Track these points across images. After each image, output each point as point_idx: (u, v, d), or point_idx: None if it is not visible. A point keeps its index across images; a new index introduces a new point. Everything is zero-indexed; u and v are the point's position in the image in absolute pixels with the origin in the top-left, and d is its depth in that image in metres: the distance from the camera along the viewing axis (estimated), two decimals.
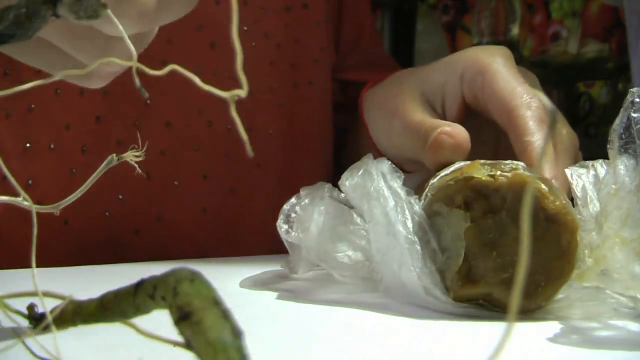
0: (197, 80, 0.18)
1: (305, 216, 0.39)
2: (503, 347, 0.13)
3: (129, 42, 0.20)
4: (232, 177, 0.59)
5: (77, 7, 0.20)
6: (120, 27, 0.20)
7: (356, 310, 0.35)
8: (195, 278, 0.18)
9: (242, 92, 0.17)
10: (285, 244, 0.40)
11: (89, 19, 0.20)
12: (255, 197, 0.60)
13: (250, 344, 0.29)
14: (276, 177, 0.60)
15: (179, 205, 0.56)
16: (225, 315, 0.17)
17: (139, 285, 0.19)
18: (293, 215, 0.40)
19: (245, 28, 0.58)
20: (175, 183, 0.56)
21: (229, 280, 0.44)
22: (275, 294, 0.39)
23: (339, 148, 0.67)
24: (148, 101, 0.55)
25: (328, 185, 0.40)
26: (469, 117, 0.47)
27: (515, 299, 0.14)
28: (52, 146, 0.54)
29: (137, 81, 0.20)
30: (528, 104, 0.43)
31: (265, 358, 0.27)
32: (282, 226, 0.40)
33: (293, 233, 0.39)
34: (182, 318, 0.17)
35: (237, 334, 0.16)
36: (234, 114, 0.18)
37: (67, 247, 0.53)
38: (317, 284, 0.40)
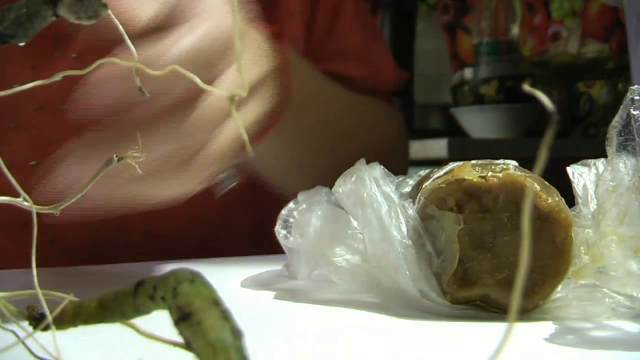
0: (197, 80, 0.18)
1: (303, 221, 0.39)
2: (504, 347, 0.14)
3: (129, 42, 0.20)
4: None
5: (77, 7, 0.20)
6: (121, 27, 0.20)
7: (356, 311, 0.35)
8: (196, 278, 0.18)
9: (242, 92, 0.17)
10: (284, 249, 0.40)
11: (89, 20, 0.20)
12: (232, 201, 0.60)
13: (251, 344, 0.29)
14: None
15: (166, 217, 0.56)
16: (225, 315, 0.17)
17: (139, 285, 0.19)
18: (291, 220, 0.40)
19: None
20: None
21: (230, 280, 0.44)
22: (275, 294, 0.39)
23: None
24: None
25: (325, 190, 0.40)
26: None
27: (516, 299, 0.14)
28: (33, 163, 0.53)
29: (137, 81, 0.20)
30: None
31: (265, 358, 0.27)
32: (280, 231, 0.40)
33: (291, 238, 0.39)
34: (182, 319, 0.17)
35: (237, 334, 0.16)
36: (234, 114, 0.18)
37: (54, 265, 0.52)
38: (317, 284, 0.40)
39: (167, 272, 0.18)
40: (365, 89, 0.67)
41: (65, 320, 0.21)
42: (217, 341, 0.16)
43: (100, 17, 0.20)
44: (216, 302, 0.17)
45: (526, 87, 0.15)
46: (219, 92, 0.18)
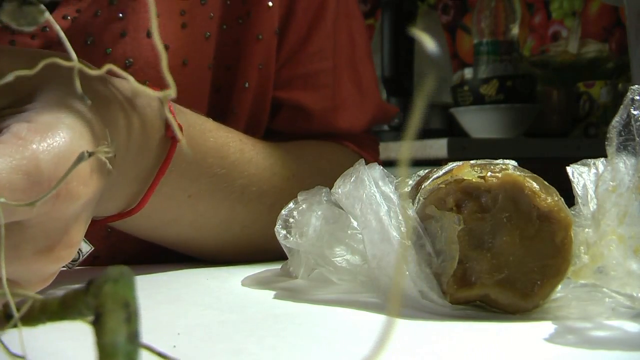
0: (131, 79, 0.18)
1: (303, 221, 0.39)
2: (384, 345, 0.13)
3: (68, 44, 0.20)
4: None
5: (18, 14, 0.20)
6: (61, 32, 0.20)
7: (355, 310, 0.35)
8: (121, 279, 0.17)
9: (172, 93, 0.17)
10: (284, 249, 0.40)
11: (29, 26, 0.20)
12: None
13: (250, 343, 0.29)
14: None
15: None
16: (129, 318, 0.16)
17: (90, 284, 0.18)
18: (291, 220, 0.40)
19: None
20: None
21: (230, 279, 0.44)
22: (275, 293, 0.39)
23: None
24: None
25: (325, 190, 0.40)
26: None
27: (396, 296, 0.14)
28: None
29: (77, 84, 0.20)
30: None
31: (264, 358, 0.27)
32: (280, 231, 0.40)
33: (291, 238, 0.39)
34: (94, 320, 0.16)
35: (133, 339, 0.15)
36: (167, 114, 0.18)
37: None
38: (317, 283, 0.40)
39: (105, 271, 0.17)
40: (324, 127, 0.64)
41: (33, 317, 0.20)
42: (109, 345, 0.15)
43: (39, 23, 0.20)
44: (126, 304, 0.16)
45: (414, 31, 0.14)
46: (151, 92, 0.18)
